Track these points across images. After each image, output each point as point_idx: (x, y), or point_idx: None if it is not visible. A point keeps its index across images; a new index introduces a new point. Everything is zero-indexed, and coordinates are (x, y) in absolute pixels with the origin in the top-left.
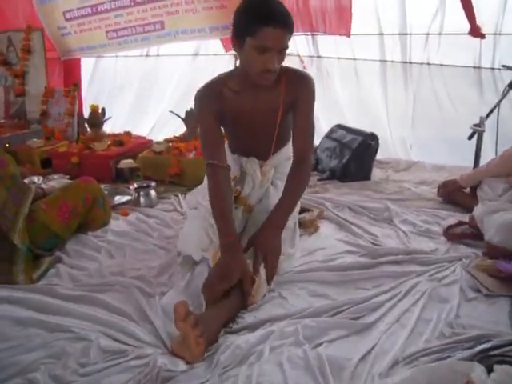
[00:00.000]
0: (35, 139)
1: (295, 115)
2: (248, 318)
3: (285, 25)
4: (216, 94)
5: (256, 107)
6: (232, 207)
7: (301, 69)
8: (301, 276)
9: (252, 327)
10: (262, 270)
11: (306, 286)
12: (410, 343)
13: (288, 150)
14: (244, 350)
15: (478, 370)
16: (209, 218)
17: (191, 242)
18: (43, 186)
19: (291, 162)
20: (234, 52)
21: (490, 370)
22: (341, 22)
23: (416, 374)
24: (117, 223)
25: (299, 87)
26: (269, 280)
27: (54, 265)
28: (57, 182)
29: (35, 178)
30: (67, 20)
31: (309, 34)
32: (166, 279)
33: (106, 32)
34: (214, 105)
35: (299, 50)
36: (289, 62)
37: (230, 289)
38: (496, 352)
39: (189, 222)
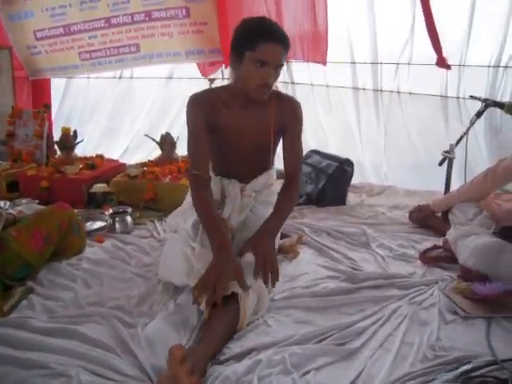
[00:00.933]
0: (0, 161)
1: (286, 137)
2: (234, 347)
3: (283, 42)
4: (209, 103)
5: (245, 125)
6: (218, 214)
7: None
8: (285, 303)
9: (239, 357)
10: (254, 288)
11: (291, 313)
12: (395, 367)
13: (269, 177)
14: (232, 381)
15: None
16: (190, 241)
17: (173, 267)
18: (11, 211)
19: (271, 190)
20: (210, 77)
21: None
22: (317, 51)
23: None
24: (92, 250)
25: (289, 110)
26: (273, 282)
27: (26, 296)
28: (26, 206)
29: (1, 203)
30: (38, 39)
31: None
32: (147, 309)
33: (79, 53)
34: (206, 112)
35: None
36: None
37: (219, 319)
38: (477, 373)
39: (169, 246)
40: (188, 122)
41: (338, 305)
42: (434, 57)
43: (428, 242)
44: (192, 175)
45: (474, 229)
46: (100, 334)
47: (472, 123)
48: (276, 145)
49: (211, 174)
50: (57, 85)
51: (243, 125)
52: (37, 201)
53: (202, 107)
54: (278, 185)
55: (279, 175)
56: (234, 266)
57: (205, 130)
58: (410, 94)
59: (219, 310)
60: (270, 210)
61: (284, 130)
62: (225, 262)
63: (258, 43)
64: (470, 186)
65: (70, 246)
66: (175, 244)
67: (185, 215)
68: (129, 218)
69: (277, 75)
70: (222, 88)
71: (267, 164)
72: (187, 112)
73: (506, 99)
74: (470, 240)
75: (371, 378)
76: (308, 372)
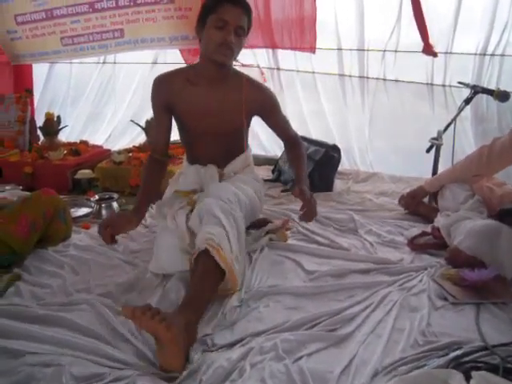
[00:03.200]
0: None
1: (272, 120)
2: (226, 334)
3: (244, 6)
4: (171, 83)
5: (213, 104)
6: (154, 193)
7: (260, 80)
8: (274, 289)
9: (231, 344)
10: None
11: (281, 299)
12: (387, 353)
13: (246, 159)
14: (225, 368)
15: (457, 377)
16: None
17: (168, 260)
18: None
19: (250, 168)
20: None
21: (466, 376)
22: (305, 38)
23: None
24: (79, 237)
25: (262, 96)
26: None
27: (13, 283)
28: (9, 193)
29: None
30: (18, 24)
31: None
32: (136, 296)
33: (61, 38)
34: (167, 93)
35: (259, 61)
36: (250, 73)
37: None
38: (468, 358)
39: (160, 236)
40: (152, 105)
41: (327, 291)
42: (420, 44)
43: (416, 228)
44: (149, 156)
45: (466, 214)
46: (90, 322)
47: (460, 110)
48: (248, 128)
49: (186, 163)
50: (39, 70)
51: (210, 103)
52: (20, 187)
53: (162, 88)
54: (256, 168)
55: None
56: (128, 224)
57: (163, 112)
58: (396, 81)
59: (197, 268)
60: (248, 177)
61: (261, 114)
62: (127, 217)
63: (219, 5)
64: (464, 163)
65: (57, 232)
66: (166, 237)
67: (170, 202)
68: (115, 205)
69: (239, 42)
70: (190, 66)
71: (241, 147)
72: (151, 92)
73: (492, 87)
74: (466, 223)
75: (364, 363)
76: (300, 358)
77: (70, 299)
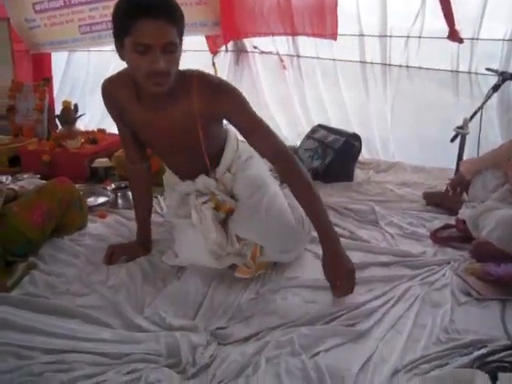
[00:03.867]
0: (2, 136)
1: (239, 126)
2: (241, 327)
3: (165, 15)
4: (117, 94)
5: (160, 121)
6: (149, 205)
7: (280, 68)
8: (293, 282)
9: (246, 338)
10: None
11: (299, 292)
12: (407, 350)
13: (230, 152)
14: (240, 362)
15: (482, 378)
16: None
17: (195, 252)
18: (13, 186)
19: (239, 153)
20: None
21: (491, 377)
22: (326, 25)
23: None
24: (94, 226)
25: (221, 98)
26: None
27: (28, 272)
28: (27, 181)
29: (3, 178)
30: (37, 12)
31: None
32: (152, 287)
33: (79, 26)
34: (116, 104)
35: (278, 49)
36: (269, 61)
37: None
38: (493, 358)
39: (182, 232)
40: None
41: None
42: (445, 30)
43: (438, 220)
44: (127, 166)
45: (495, 203)
46: (104, 313)
47: (488, 97)
48: (215, 130)
49: (172, 175)
50: (58, 58)
51: (158, 123)
52: (38, 175)
53: (110, 95)
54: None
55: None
56: (134, 251)
57: (119, 119)
58: (420, 68)
59: None
60: (253, 162)
61: (223, 116)
62: (134, 244)
63: (131, 24)
64: (499, 150)
65: (72, 221)
66: (189, 232)
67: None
68: (130, 193)
69: (173, 58)
70: (131, 76)
71: (218, 148)
72: None
73: None
74: (497, 212)
75: (383, 360)
76: (317, 353)
77: (84, 290)
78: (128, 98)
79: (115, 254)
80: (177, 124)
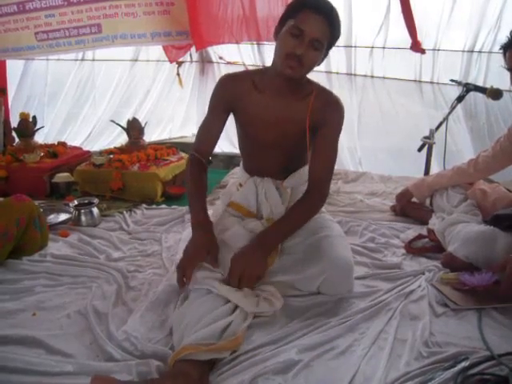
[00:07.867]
0: None
1: (319, 139)
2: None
3: (327, 15)
4: (238, 85)
5: (278, 112)
6: (205, 193)
7: None
8: None
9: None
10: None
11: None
12: (390, 367)
13: (304, 172)
14: None
15: None
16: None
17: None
18: None
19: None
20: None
21: None
22: None
23: None
24: (56, 246)
25: (329, 109)
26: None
27: None
28: None
29: None
30: None
31: (254, 43)
32: (121, 304)
33: (36, 33)
34: (231, 95)
35: (244, 58)
36: (234, 71)
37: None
38: (475, 370)
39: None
40: (209, 101)
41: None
42: (408, 41)
43: (411, 230)
44: (190, 155)
45: (461, 217)
46: (74, 339)
47: (453, 108)
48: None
49: (243, 172)
50: (14, 67)
51: (274, 113)
52: None
53: (227, 89)
54: None
55: None
56: (209, 243)
57: (221, 114)
58: (384, 78)
59: None
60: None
61: (320, 127)
62: (199, 240)
63: (300, 11)
64: (453, 172)
65: (31, 241)
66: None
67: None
68: (95, 210)
69: (313, 55)
70: (258, 71)
71: (303, 160)
72: (213, 90)
73: (479, 84)
74: (460, 228)
75: (367, 379)
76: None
77: (48, 317)
78: (247, 89)
79: (188, 270)
80: (289, 114)
